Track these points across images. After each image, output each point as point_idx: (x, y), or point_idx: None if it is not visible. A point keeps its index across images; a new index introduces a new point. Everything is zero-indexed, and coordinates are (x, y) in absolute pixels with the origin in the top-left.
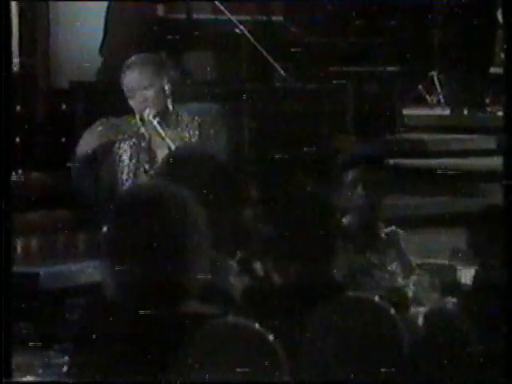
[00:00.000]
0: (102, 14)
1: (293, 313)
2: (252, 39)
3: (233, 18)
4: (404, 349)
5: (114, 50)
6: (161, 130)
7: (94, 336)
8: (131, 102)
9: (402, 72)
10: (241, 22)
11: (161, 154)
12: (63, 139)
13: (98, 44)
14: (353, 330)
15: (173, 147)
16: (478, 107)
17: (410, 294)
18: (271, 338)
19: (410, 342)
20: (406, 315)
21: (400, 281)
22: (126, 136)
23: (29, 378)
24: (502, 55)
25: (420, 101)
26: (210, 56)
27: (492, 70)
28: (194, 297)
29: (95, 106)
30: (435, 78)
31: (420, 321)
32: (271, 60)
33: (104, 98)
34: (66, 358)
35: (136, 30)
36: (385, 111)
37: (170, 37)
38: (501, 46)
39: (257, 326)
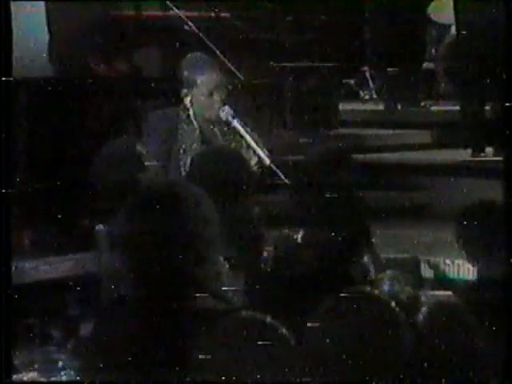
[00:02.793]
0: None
1: (302, 306)
2: (201, 35)
3: (181, 14)
4: (407, 344)
5: (62, 49)
6: (242, 129)
7: (106, 330)
8: (201, 99)
9: (336, 68)
10: (189, 19)
11: None
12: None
13: (38, 42)
14: (358, 325)
15: (257, 148)
16: (410, 102)
17: (386, 288)
18: (284, 331)
19: (413, 338)
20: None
21: (373, 275)
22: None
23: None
24: (433, 51)
25: (353, 96)
26: (159, 52)
27: (424, 65)
28: (208, 292)
29: (39, 104)
30: (367, 74)
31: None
32: (220, 55)
33: (51, 96)
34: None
35: (84, 28)
36: (322, 106)
37: (119, 33)
38: (432, 41)
39: (269, 319)
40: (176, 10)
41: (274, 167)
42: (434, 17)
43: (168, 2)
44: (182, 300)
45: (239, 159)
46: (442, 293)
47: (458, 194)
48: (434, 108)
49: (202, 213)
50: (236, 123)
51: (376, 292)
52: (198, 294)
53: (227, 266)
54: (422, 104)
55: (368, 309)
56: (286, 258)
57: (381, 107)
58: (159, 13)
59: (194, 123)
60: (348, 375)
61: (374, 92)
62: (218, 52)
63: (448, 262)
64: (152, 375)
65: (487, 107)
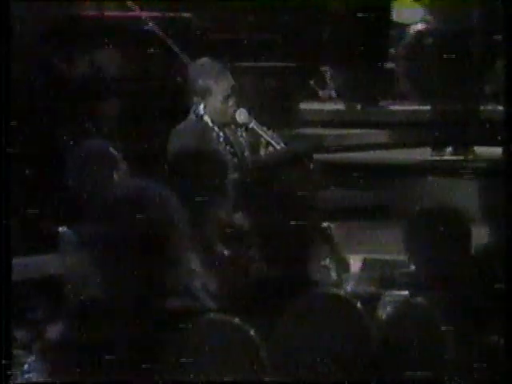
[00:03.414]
0: None
1: (269, 308)
2: (162, 36)
3: (143, 14)
4: (372, 343)
5: (24, 50)
6: (260, 130)
7: (77, 334)
8: (218, 106)
9: (297, 67)
10: (150, 19)
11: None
12: None
13: None
14: (323, 325)
15: (277, 146)
16: (370, 102)
17: (349, 288)
18: (252, 332)
19: (378, 337)
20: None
21: (334, 276)
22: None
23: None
24: (393, 50)
25: (312, 96)
26: (121, 53)
27: (384, 65)
28: (176, 294)
29: None
30: (327, 74)
31: (384, 315)
32: (182, 56)
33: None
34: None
35: (45, 28)
36: (283, 106)
37: (80, 34)
38: (393, 41)
39: (237, 321)
40: (137, 10)
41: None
42: (394, 16)
43: (129, 2)
44: (151, 301)
45: (217, 160)
46: (405, 292)
47: (418, 194)
48: (393, 108)
49: (170, 214)
50: (253, 124)
51: (340, 292)
52: (168, 296)
53: (199, 266)
54: (382, 104)
55: (333, 309)
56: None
57: (340, 107)
58: (120, 13)
59: (216, 129)
60: (315, 375)
61: (333, 92)
62: (179, 52)
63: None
64: (122, 376)
65: (449, 107)
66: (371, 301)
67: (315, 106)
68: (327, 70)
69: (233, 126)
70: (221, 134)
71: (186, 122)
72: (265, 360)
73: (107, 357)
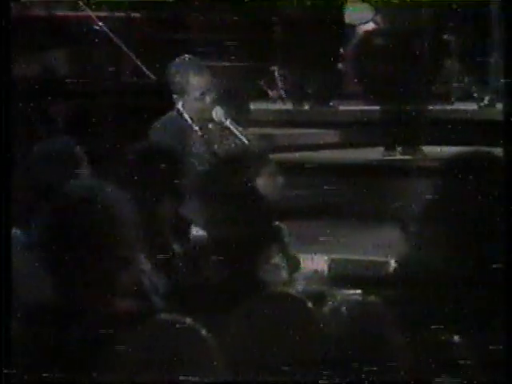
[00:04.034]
0: None
1: (219, 308)
2: (112, 35)
3: (92, 14)
4: (323, 342)
5: None
6: (234, 128)
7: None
8: (195, 103)
9: (246, 67)
10: (100, 19)
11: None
12: None
13: None
14: (273, 324)
15: (247, 142)
16: (319, 102)
17: (300, 288)
18: (204, 332)
19: (328, 336)
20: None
21: (285, 275)
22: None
23: None
24: (342, 50)
25: (262, 95)
26: (70, 52)
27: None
28: (126, 295)
29: None
30: (276, 74)
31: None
32: (132, 56)
33: None
34: None
35: None
36: (233, 106)
37: (30, 34)
38: (344, 42)
39: (189, 321)
40: (87, 10)
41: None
42: (344, 17)
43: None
44: (102, 302)
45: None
46: (356, 291)
47: (368, 194)
48: (342, 108)
49: (121, 214)
50: (228, 123)
51: (291, 291)
52: (118, 296)
53: (149, 266)
54: (331, 104)
55: (283, 308)
56: (198, 260)
57: (290, 107)
58: (70, 13)
59: (194, 126)
60: (267, 374)
61: (283, 92)
62: (129, 52)
63: (363, 259)
64: (74, 378)
65: (398, 107)
66: (322, 300)
67: (265, 105)
68: (276, 70)
69: (211, 125)
70: (198, 131)
71: (165, 118)
72: (216, 359)
73: (57, 357)
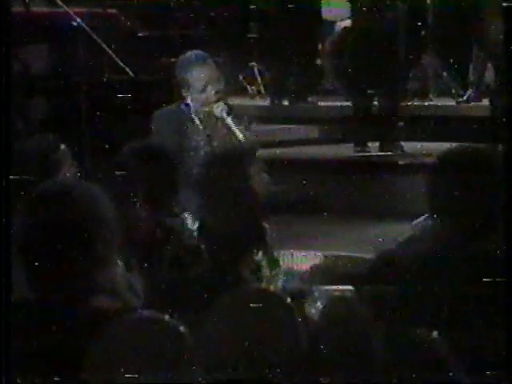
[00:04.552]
0: None
1: (200, 304)
2: (90, 31)
3: (70, 10)
4: (302, 339)
5: None
6: (233, 126)
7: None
8: (197, 96)
9: (226, 63)
10: (78, 15)
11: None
12: None
13: None
14: (253, 321)
15: (243, 139)
16: (298, 98)
17: (280, 285)
18: (182, 329)
19: (309, 333)
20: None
21: (267, 272)
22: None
23: None
24: (320, 46)
25: (242, 91)
26: (48, 49)
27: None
28: (105, 292)
29: None
30: (255, 69)
31: (315, 311)
32: (110, 52)
33: None
34: None
35: None
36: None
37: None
38: (323, 38)
39: (167, 318)
40: (64, 7)
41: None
42: (322, 13)
43: None
44: (79, 300)
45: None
46: (335, 287)
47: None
48: (321, 103)
49: (99, 213)
50: (229, 120)
51: (271, 288)
52: (96, 294)
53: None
54: (310, 99)
55: (263, 305)
56: (180, 256)
57: (269, 103)
58: (47, 9)
59: (196, 120)
60: (246, 371)
61: (262, 87)
62: (107, 49)
63: (339, 255)
64: (51, 377)
65: (374, 103)
66: (301, 296)
67: (244, 101)
68: (255, 66)
69: (214, 119)
70: (200, 124)
71: (167, 109)
72: (195, 355)
73: (35, 358)
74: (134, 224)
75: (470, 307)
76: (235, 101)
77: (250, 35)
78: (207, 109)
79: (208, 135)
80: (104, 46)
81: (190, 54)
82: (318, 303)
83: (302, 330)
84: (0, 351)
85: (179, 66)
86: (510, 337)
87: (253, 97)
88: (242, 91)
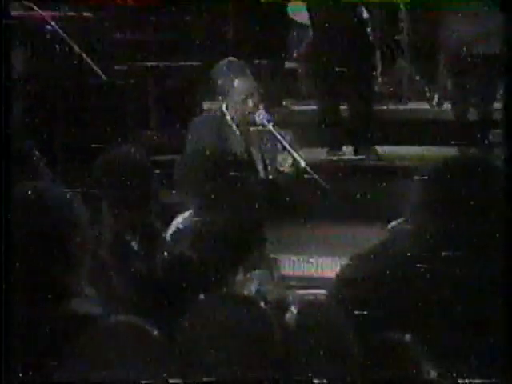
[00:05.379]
0: None
1: (173, 308)
2: (63, 35)
3: (44, 14)
4: (277, 343)
5: None
6: (276, 132)
7: None
8: (237, 106)
9: (200, 67)
10: (53, 18)
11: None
12: None
13: None
14: (226, 325)
15: (293, 151)
16: (272, 102)
17: (253, 288)
18: (157, 333)
19: (284, 337)
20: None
21: (241, 276)
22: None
23: None
24: (295, 52)
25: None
26: (22, 52)
27: (286, 65)
28: (80, 296)
29: None
30: None
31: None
32: (84, 55)
33: None
34: None
35: None
36: (185, 105)
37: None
38: (293, 41)
39: (142, 322)
40: (38, 10)
41: (308, 168)
42: (294, 17)
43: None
44: (53, 304)
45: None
46: (308, 292)
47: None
48: (295, 108)
49: (72, 217)
50: (271, 127)
51: (244, 292)
52: (69, 299)
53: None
54: (284, 103)
55: (236, 309)
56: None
57: None
58: (22, 13)
59: (234, 127)
60: (220, 375)
61: None
62: (81, 52)
63: (312, 260)
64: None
65: (344, 107)
66: (276, 301)
67: (217, 105)
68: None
69: (252, 128)
70: (237, 132)
71: (206, 116)
72: (168, 360)
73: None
74: (107, 231)
75: (445, 311)
76: (209, 105)
77: (222, 39)
78: (244, 118)
79: (245, 142)
80: (77, 49)
81: (232, 62)
82: (293, 308)
83: (277, 335)
84: (0, 351)
85: (219, 73)
86: (484, 341)
87: None
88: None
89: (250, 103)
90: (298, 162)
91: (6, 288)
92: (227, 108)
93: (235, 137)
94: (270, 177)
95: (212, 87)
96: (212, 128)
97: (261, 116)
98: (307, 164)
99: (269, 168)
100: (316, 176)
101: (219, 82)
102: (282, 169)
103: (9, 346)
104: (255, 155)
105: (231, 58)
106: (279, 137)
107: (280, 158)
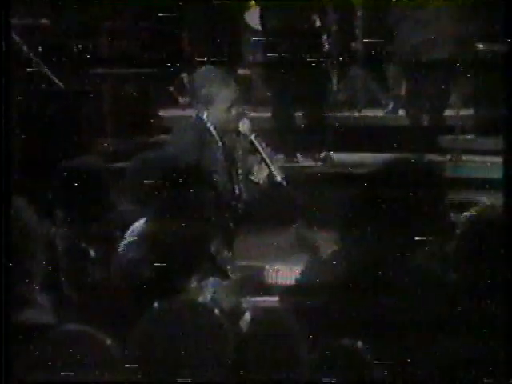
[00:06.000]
0: None
1: (128, 315)
2: (21, 42)
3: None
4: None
5: None
6: (258, 144)
7: None
8: (220, 115)
9: (156, 74)
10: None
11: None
12: None
13: None
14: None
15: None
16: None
17: (209, 296)
18: (109, 342)
19: (237, 343)
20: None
21: (196, 284)
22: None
23: None
24: (251, 57)
25: (172, 102)
26: None
27: (241, 71)
28: (29, 306)
29: None
30: (185, 80)
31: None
32: (40, 62)
33: None
34: None
35: None
36: (142, 113)
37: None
38: (248, 46)
39: (94, 331)
40: None
41: (284, 183)
42: (249, 22)
43: None
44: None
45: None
46: (263, 299)
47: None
48: (251, 114)
49: (23, 225)
50: (253, 137)
51: (199, 299)
52: (20, 307)
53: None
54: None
55: (192, 316)
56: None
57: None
58: None
59: (216, 136)
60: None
61: (192, 98)
62: (38, 60)
63: (267, 267)
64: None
65: (297, 114)
66: (231, 308)
67: (175, 112)
68: (185, 77)
69: (234, 136)
70: (219, 140)
71: (186, 124)
72: (121, 366)
73: None
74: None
75: (398, 317)
76: (166, 112)
77: (179, 45)
78: (227, 127)
79: (227, 151)
80: (34, 57)
81: (212, 70)
82: (247, 314)
83: (231, 342)
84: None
85: (201, 81)
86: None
87: (183, 108)
88: (172, 102)
89: (234, 112)
90: (274, 176)
91: None
92: (207, 117)
93: (216, 145)
94: (241, 186)
95: (194, 96)
96: (192, 136)
97: (245, 125)
98: (283, 178)
99: (240, 177)
100: (291, 190)
101: (203, 90)
102: (255, 179)
103: None
104: (233, 164)
105: (209, 66)
106: (260, 148)
107: (256, 168)
